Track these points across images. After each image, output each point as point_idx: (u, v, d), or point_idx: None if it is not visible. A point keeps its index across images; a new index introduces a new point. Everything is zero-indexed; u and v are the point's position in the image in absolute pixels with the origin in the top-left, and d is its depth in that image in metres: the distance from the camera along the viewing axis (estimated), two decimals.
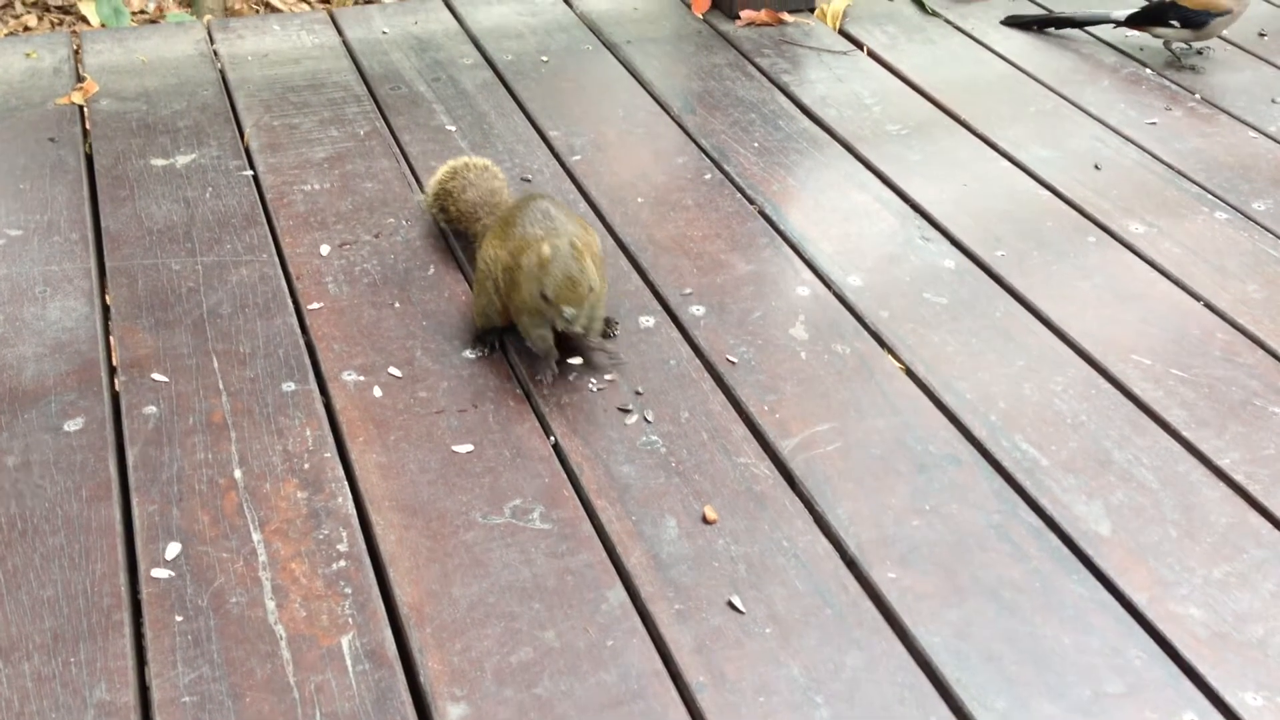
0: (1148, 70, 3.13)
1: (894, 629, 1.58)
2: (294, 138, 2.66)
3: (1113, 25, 3.20)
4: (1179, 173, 2.66)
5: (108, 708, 1.43)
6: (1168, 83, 3.07)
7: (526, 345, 2.03)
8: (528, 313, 1.91)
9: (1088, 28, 3.31)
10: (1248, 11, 3.38)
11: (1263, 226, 2.47)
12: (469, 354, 2.01)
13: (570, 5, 3.39)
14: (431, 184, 2.32)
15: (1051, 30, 3.31)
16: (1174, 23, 3.05)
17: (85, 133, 2.66)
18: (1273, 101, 2.98)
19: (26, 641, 1.50)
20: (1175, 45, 3.15)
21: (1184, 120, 2.89)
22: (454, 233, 2.32)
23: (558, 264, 1.84)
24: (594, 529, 1.71)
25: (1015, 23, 3.34)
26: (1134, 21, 3.12)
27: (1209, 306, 2.23)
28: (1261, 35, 3.35)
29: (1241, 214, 2.51)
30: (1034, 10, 3.46)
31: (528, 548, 1.67)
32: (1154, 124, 2.87)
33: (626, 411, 1.91)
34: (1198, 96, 3.00)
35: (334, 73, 2.97)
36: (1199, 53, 3.20)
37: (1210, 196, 2.58)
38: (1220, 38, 3.30)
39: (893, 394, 1.98)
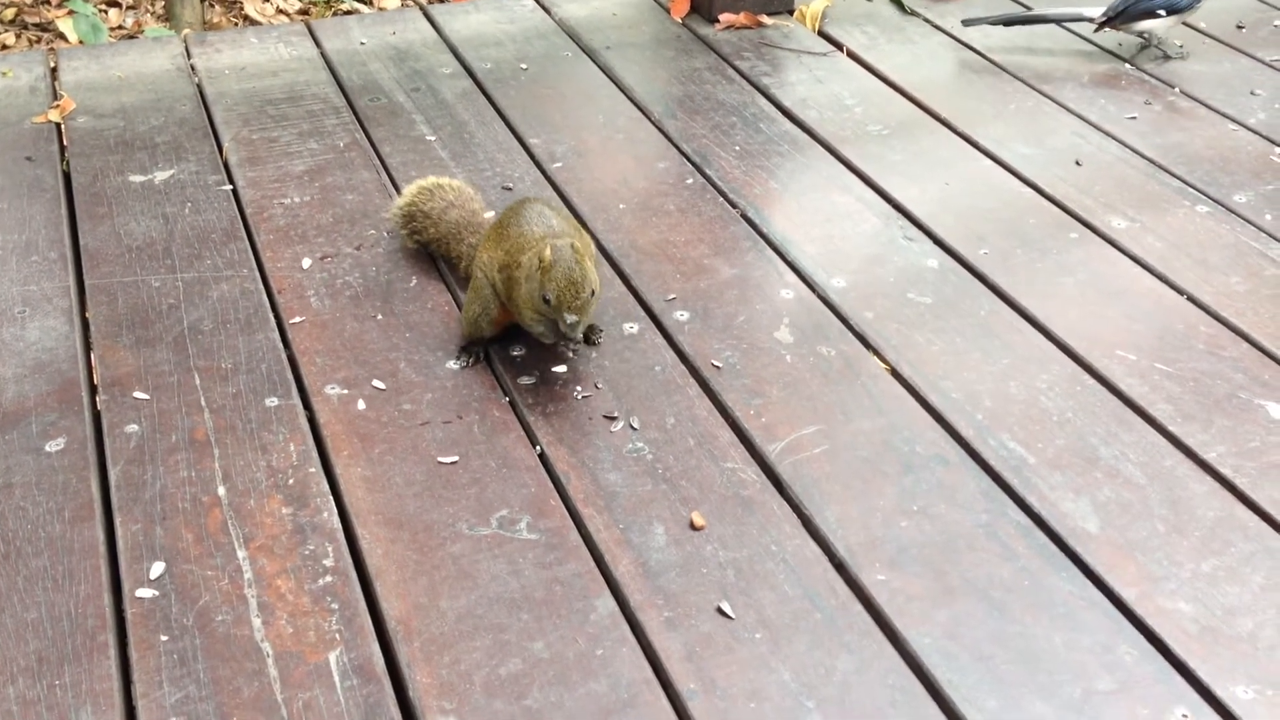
0: (1126, 65, 3.14)
1: (884, 631, 1.58)
2: (273, 151, 2.65)
3: (1095, 28, 3.17)
4: (1160, 167, 2.67)
5: None
6: (1147, 77, 3.07)
7: (512, 355, 2.03)
8: (528, 311, 1.90)
9: (1061, 24, 3.30)
10: (1229, 4, 3.40)
11: (1244, 219, 2.47)
12: (453, 365, 2.01)
13: (548, 12, 3.39)
14: (400, 204, 2.27)
15: (1019, 25, 3.28)
16: (1161, 12, 3.05)
17: (63, 150, 2.65)
18: (1252, 94, 2.99)
19: (10, 665, 1.49)
20: (1157, 38, 3.15)
21: (1164, 114, 2.90)
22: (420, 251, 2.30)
23: (559, 267, 1.81)
24: (581, 538, 1.70)
25: (973, 23, 3.29)
26: (1121, 20, 3.10)
27: (1192, 300, 2.23)
28: (1240, 28, 3.35)
29: (1223, 207, 2.52)
30: (1003, 12, 3.45)
31: (515, 558, 1.66)
32: (1134, 119, 2.87)
33: (612, 419, 1.90)
34: (1177, 90, 3.01)
35: (312, 85, 2.96)
36: (1180, 45, 3.20)
37: (1191, 190, 2.58)
38: (1198, 30, 3.31)
39: (879, 395, 1.97)
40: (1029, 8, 3.44)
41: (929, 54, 3.19)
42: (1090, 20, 3.14)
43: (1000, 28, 3.29)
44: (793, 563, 1.67)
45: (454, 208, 2.22)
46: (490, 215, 2.30)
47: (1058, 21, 3.25)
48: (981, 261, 2.32)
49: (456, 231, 2.20)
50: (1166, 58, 3.14)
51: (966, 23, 3.28)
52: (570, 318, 1.82)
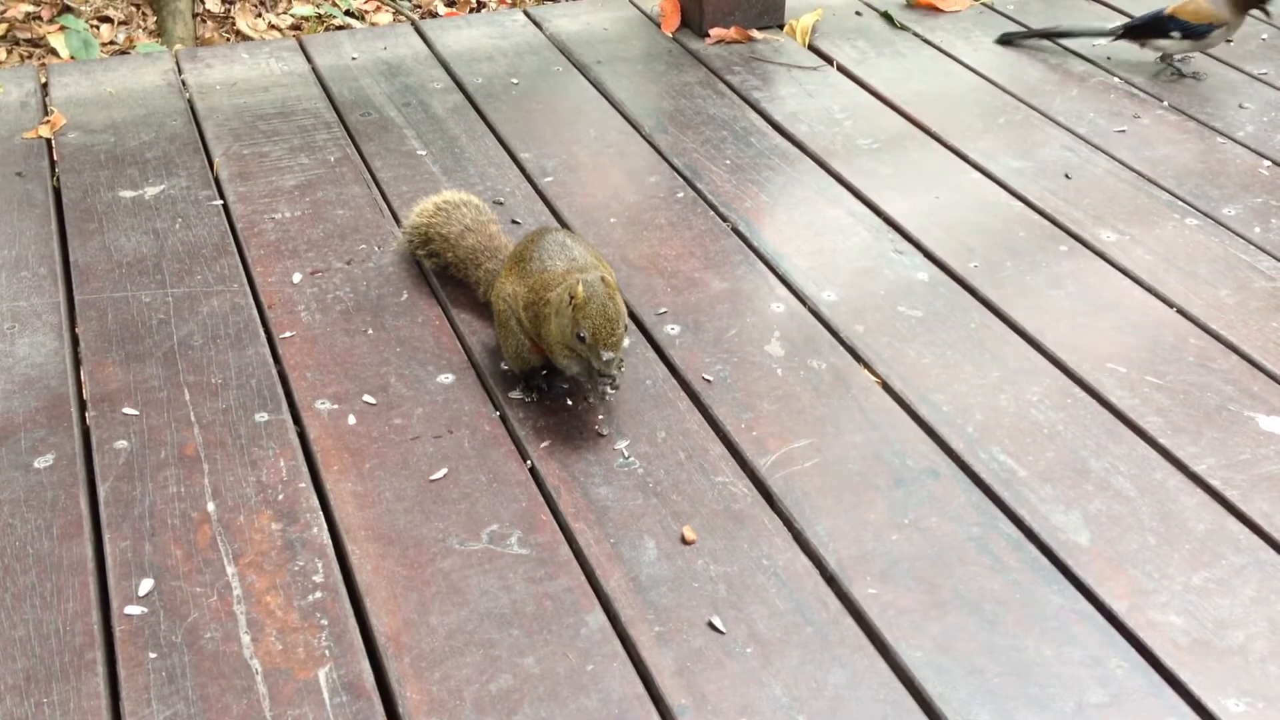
0: (1116, 79, 3.15)
1: (875, 645, 1.57)
2: (264, 166, 2.65)
3: (1110, 38, 3.19)
4: (1149, 180, 2.67)
5: None
6: (1136, 90, 3.09)
7: (501, 367, 2.03)
8: (559, 348, 1.85)
9: (1079, 38, 3.32)
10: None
11: (1233, 231, 2.48)
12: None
13: (540, 27, 3.39)
14: (413, 222, 2.26)
15: (1049, 41, 3.32)
16: (1175, 34, 3.06)
17: (53, 166, 2.65)
18: (1240, 107, 3.00)
19: None
20: (1175, 58, 3.16)
21: (1153, 128, 2.91)
22: (437, 272, 2.29)
23: (593, 304, 1.77)
24: (572, 553, 1.70)
25: (1008, 40, 3.34)
26: (1134, 34, 3.13)
27: (1182, 313, 2.23)
28: (1229, 41, 3.37)
29: (1212, 219, 2.53)
30: (1008, 26, 3.47)
31: (506, 573, 1.66)
32: (1123, 132, 2.88)
33: (603, 433, 1.90)
34: (1166, 104, 3.02)
35: (304, 100, 2.96)
36: (1195, 72, 3.21)
37: (1180, 203, 2.59)
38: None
39: (869, 408, 1.97)
40: (1023, 24, 3.46)
41: (919, 68, 3.20)
42: (1116, 35, 3.17)
43: (1003, 45, 3.32)
44: (784, 577, 1.66)
45: (470, 232, 2.19)
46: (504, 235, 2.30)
47: (1085, 35, 3.28)
48: (972, 274, 2.32)
49: (474, 257, 2.17)
50: (1180, 75, 3.15)
51: (1001, 39, 3.32)
52: (607, 355, 1.78)
